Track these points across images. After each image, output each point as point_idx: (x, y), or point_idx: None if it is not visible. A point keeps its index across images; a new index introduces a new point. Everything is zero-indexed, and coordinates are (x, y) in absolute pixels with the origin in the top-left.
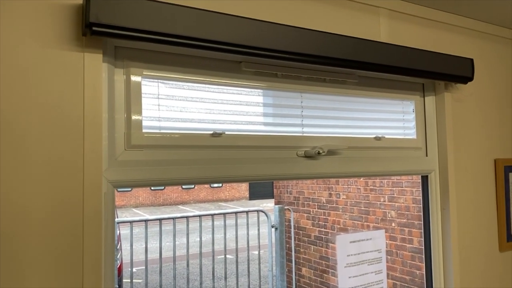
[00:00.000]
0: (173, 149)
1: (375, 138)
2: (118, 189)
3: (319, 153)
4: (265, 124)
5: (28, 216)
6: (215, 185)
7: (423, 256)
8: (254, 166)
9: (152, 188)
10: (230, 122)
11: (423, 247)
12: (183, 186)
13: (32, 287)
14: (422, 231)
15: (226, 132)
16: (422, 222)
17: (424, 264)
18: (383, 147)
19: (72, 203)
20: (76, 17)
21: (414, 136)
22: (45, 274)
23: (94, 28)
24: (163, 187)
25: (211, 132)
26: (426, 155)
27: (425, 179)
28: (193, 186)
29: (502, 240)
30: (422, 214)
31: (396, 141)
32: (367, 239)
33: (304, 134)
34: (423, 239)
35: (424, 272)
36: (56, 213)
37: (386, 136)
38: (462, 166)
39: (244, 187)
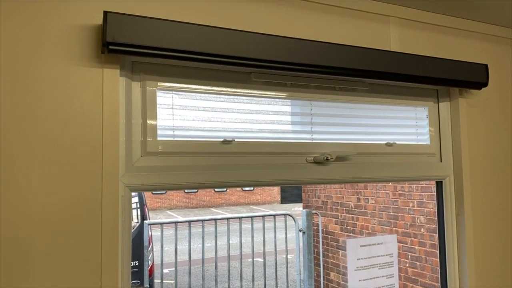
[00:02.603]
0: (185, 155)
1: (386, 144)
2: (153, 192)
3: (327, 159)
4: (275, 131)
5: (51, 218)
6: (247, 188)
7: (438, 262)
8: (263, 172)
9: (186, 190)
10: (241, 130)
11: (438, 253)
12: (216, 189)
13: (52, 287)
14: (437, 236)
15: (236, 139)
16: (437, 228)
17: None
18: (395, 153)
19: (92, 205)
20: (96, 37)
21: (428, 142)
22: (65, 273)
23: (110, 47)
24: (196, 190)
25: (222, 140)
26: (441, 161)
27: (439, 185)
28: (225, 189)
29: None
30: (436, 219)
31: (408, 147)
32: (378, 244)
33: (314, 141)
34: (437, 244)
35: (439, 279)
36: (76, 215)
37: (398, 142)
38: (478, 171)
39: (276, 191)
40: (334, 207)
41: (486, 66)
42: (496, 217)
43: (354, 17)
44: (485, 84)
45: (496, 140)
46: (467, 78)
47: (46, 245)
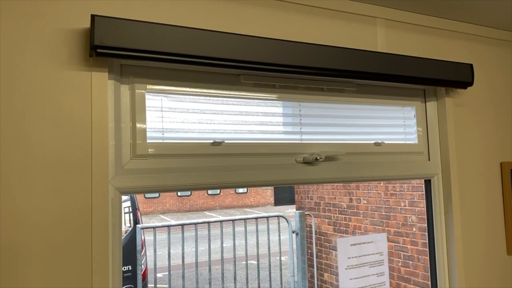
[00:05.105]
0: (175, 157)
1: (374, 143)
2: (146, 196)
3: (317, 159)
4: (264, 132)
5: (40, 221)
6: (240, 190)
7: (428, 260)
8: (253, 173)
9: (179, 194)
10: (230, 131)
11: (428, 251)
12: (209, 192)
13: None
14: (426, 234)
15: (226, 141)
16: (426, 226)
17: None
18: (383, 152)
19: (81, 208)
20: (84, 40)
21: (416, 141)
22: (55, 277)
23: (98, 50)
24: (189, 193)
25: (212, 141)
26: (429, 160)
27: (428, 183)
28: (218, 192)
29: (510, 243)
30: (426, 218)
31: (397, 146)
32: (368, 242)
33: (303, 141)
34: (427, 242)
35: (429, 276)
36: (66, 218)
37: (386, 142)
38: (465, 169)
39: (269, 193)
40: (326, 208)
41: (471, 65)
42: (487, 214)
43: (341, 19)
44: (470, 84)
45: (483, 138)
46: (453, 77)
47: (34, 249)
